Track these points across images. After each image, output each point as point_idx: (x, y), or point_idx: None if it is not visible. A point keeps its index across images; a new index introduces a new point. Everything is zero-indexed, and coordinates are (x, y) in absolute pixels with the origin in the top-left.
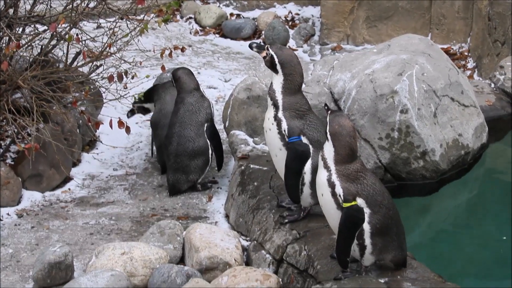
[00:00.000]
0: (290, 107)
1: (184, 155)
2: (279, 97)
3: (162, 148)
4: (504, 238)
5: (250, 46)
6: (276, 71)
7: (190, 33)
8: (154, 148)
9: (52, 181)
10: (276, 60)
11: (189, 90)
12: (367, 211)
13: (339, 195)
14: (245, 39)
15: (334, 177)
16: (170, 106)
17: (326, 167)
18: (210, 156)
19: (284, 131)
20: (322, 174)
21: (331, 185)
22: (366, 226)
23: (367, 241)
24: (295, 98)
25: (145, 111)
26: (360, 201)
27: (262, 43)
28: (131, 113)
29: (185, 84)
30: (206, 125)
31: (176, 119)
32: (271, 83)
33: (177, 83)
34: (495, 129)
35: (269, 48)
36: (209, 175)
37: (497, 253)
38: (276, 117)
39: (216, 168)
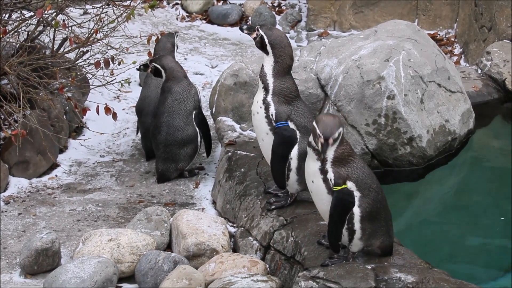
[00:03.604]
0: (280, 92)
1: (173, 145)
2: (270, 80)
3: (147, 135)
4: (502, 218)
5: (241, 28)
6: (266, 52)
7: (177, 19)
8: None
9: (39, 167)
10: (266, 40)
11: (180, 78)
12: (357, 194)
13: (330, 180)
14: (231, 25)
15: (328, 166)
16: (155, 93)
17: (318, 155)
18: (199, 143)
19: (272, 115)
20: (312, 165)
21: (324, 172)
22: (356, 210)
23: (357, 225)
24: (286, 83)
25: (158, 74)
26: (350, 184)
27: (252, 25)
28: (144, 67)
29: (177, 73)
30: (194, 112)
31: (164, 109)
32: (262, 65)
33: (167, 72)
34: (482, 115)
35: (259, 29)
36: (196, 162)
37: (484, 238)
38: (264, 101)
39: (204, 154)
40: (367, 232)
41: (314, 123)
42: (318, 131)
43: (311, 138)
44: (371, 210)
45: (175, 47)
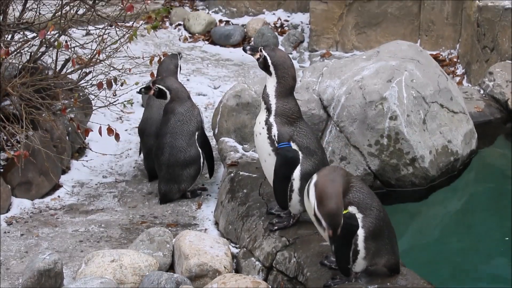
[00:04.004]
0: (282, 113)
1: (176, 166)
2: (272, 101)
3: (149, 156)
4: (507, 238)
5: (244, 49)
6: (269, 73)
7: (179, 40)
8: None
9: (42, 188)
10: (270, 61)
11: (184, 99)
12: (359, 216)
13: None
14: (234, 45)
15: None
16: (157, 114)
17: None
18: (201, 164)
19: (274, 136)
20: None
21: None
22: (360, 231)
23: (360, 245)
24: (288, 104)
25: (162, 95)
26: (351, 208)
27: (255, 46)
28: (145, 90)
29: (182, 93)
30: (197, 133)
31: (167, 129)
32: (265, 86)
33: (173, 93)
34: (485, 135)
35: (262, 50)
36: (198, 182)
37: (487, 260)
38: (267, 122)
39: (206, 175)
40: (371, 251)
41: (316, 210)
42: (324, 223)
43: (317, 213)
44: (374, 229)
45: (179, 68)
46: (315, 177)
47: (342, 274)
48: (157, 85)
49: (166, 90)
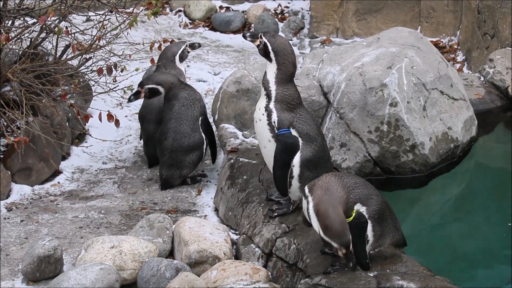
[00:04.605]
0: (282, 99)
1: (179, 151)
2: (272, 87)
3: (149, 142)
4: (509, 224)
5: (244, 36)
6: (270, 59)
7: (180, 26)
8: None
9: (42, 174)
10: (270, 48)
11: (179, 83)
12: (363, 209)
13: None
14: (234, 32)
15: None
16: (157, 100)
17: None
18: (204, 150)
19: (274, 122)
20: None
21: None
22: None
23: (370, 234)
24: (288, 90)
25: (155, 93)
26: (357, 206)
27: (255, 33)
28: (135, 95)
29: (172, 78)
30: (200, 118)
31: (171, 115)
32: (265, 72)
33: (165, 85)
34: (485, 122)
35: (263, 36)
36: (198, 169)
37: (486, 246)
38: (267, 108)
39: (207, 161)
40: (377, 236)
41: (324, 236)
42: (335, 245)
43: (326, 238)
44: (378, 215)
45: (177, 56)
46: (311, 200)
47: (362, 269)
48: (145, 86)
49: (156, 86)
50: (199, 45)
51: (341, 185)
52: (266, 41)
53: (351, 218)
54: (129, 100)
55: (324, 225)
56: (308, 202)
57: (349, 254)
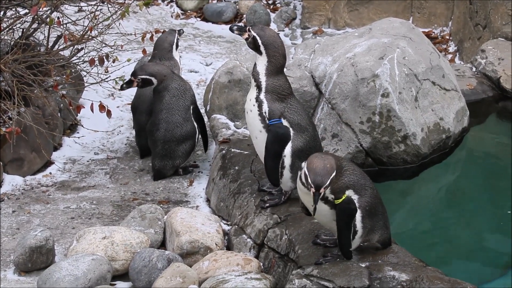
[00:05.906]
0: (273, 90)
1: (172, 141)
2: (262, 79)
3: (141, 133)
4: (509, 212)
5: (231, 29)
6: (260, 52)
7: (172, 16)
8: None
9: (33, 165)
10: (260, 41)
11: (170, 75)
12: (355, 197)
13: (332, 198)
14: (226, 22)
15: (328, 191)
16: (149, 91)
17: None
18: (196, 139)
19: (265, 113)
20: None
21: (323, 197)
22: (357, 212)
23: (358, 225)
24: (279, 81)
25: (148, 83)
26: (348, 192)
27: (243, 26)
28: (127, 84)
29: (166, 71)
30: (191, 107)
31: (162, 106)
32: (255, 64)
33: (158, 77)
34: (476, 113)
35: (251, 30)
36: (190, 159)
37: (478, 237)
38: (257, 99)
39: (198, 152)
40: (367, 229)
41: (305, 169)
42: (309, 180)
43: (303, 178)
44: (370, 208)
45: (174, 46)
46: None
47: (344, 257)
48: (139, 76)
49: (150, 77)
50: (183, 31)
51: (339, 163)
52: (255, 34)
53: (340, 200)
54: (121, 89)
55: (309, 161)
56: (301, 168)
57: (316, 198)
